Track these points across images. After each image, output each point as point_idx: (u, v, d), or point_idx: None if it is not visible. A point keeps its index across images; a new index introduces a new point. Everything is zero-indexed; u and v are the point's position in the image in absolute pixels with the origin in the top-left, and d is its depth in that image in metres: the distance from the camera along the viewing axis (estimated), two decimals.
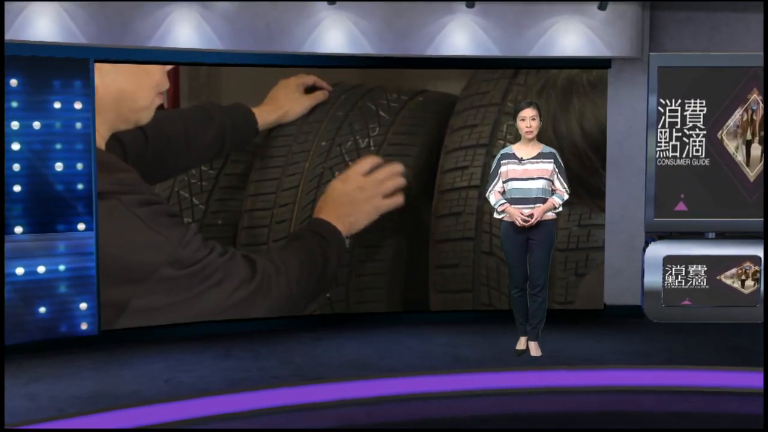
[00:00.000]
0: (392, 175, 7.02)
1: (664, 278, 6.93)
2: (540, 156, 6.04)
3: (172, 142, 6.64)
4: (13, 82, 6.10)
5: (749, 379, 5.78)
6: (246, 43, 6.47)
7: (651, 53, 6.84)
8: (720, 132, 6.80)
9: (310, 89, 6.95)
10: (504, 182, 6.05)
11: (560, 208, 6.11)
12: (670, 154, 6.82)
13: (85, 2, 6.08)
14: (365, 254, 7.10)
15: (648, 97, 6.79)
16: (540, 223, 6.01)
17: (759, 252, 6.82)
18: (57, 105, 6.24)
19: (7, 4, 5.79)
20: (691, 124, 6.79)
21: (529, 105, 6.04)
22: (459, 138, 7.10)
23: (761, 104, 6.74)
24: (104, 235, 6.42)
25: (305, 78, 6.92)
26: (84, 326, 6.45)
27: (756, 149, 6.81)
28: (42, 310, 6.31)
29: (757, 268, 6.89)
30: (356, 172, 6.97)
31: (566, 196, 6.08)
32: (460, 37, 6.73)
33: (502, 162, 6.07)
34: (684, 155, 6.81)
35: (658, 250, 6.92)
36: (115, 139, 6.46)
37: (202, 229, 6.77)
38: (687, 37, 7.17)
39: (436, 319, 7.17)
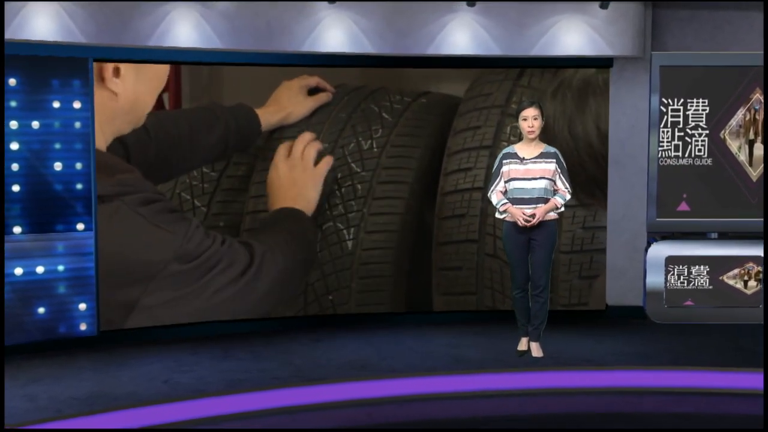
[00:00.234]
0: (308, 144, 6.94)
1: (666, 279, 6.92)
2: (542, 156, 6.01)
3: (177, 142, 6.63)
4: (12, 81, 6.07)
5: (752, 380, 5.76)
6: (246, 42, 6.46)
7: (653, 52, 6.83)
8: (722, 132, 6.79)
9: (313, 91, 6.93)
10: (506, 182, 6.03)
11: (562, 209, 6.09)
12: (673, 153, 6.81)
13: (84, 1, 6.06)
14: (368, 257, 7.08)
15: (650, 96, 6.78)
16: (542, 224, 5.98)
17: (761, 252, 6.80)
18: (56, 104, 6.22)
19: (6, 3, 5.76)
20: (693, 124, 6.77)
21: (531, 104, 6.01)
22: (462, 140, 7.08)
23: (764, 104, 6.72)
24: (110, 237, 6.41)
25: (308, 79, 6.90)
26: (83, 327, 6.43)
27: (759, 149, 6.80)
28: (41, 310, 6.29)
29: (759, 268, 6.88)
30: (279, 158, 6.90)
31: (568, 197, 6.06)
32: (461, 36, 6.71)
33: (504, 162, 6.04)
34: (686, 155, 6.79)
35: (661, 251, 6.91)
36: (119, 140, 6.44)
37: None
38: (689, 36, 7.14)
39: (438, 319, 7.14)
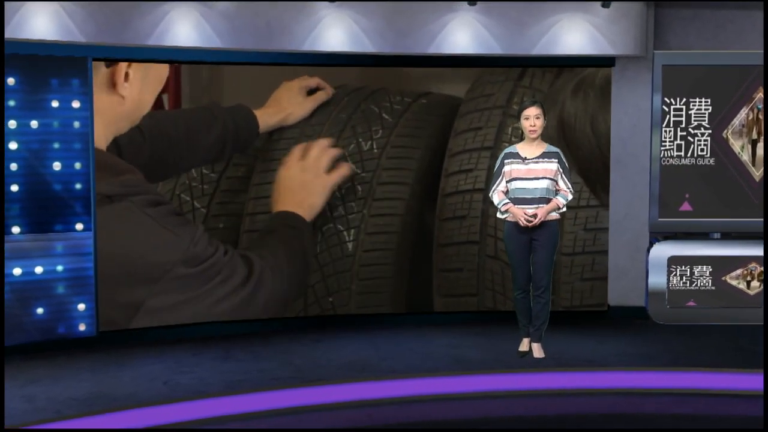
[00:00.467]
0: (324, 150, 6.94)
1: (668, 279, 6.88)
2: (544, 155, 5.99)
3: (172, 142, 6.61)
4: (11, 80, 6.06)
5: (754, 381, 5.73)
6: (246, 41, 6.44)
7: (655, 51, 6.80)
8: (725, 131, 6.75)
9: (313, 92, 6.91)
10: (507, 182, 6.00)
11: (564, 209, 6.07)
12: (675, 153, 6.78)
13: (83, 1, 6.05)
14: (368, 258, 7.05)
15: (652, 95, 6.74)
16: (544, 224, 5.96)
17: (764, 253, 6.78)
18: (55, 104, 6.21)
19: (5, 3, 5.74)
20: (696, 123, 6.74)
21: (533, 104, 5.99)
22: (463, 141, 7.05)
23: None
24: (119, 237, 6.41)
25: (308, 80, 6.88)
26: (82, 327, 6.41)
27: (762, 149, 6.76)
28: (39, 311, 6.27)
29: (762, 269, 6.84)
30: (294, 159, 6.89)
31: (570, 197, 6.03)
32: (462, 35, 6.69)
33: (505, 161, 6.02)
34: (689, 154, 6.76)
35: (663, 251, 6.88)
36: (113, 141, 6.43)
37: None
38: (692, 35, 7.13)
39: (439, 320, 7.12)
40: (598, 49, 6.82)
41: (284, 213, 6.90)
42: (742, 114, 6.73)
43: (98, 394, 5.41)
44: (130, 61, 6.39)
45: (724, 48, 6.99)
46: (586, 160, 7.09)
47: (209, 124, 6.68)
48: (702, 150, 6.77)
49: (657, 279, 6.87)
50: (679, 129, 6.75)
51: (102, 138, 6.38)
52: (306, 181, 6.90)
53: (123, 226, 6.42)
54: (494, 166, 6.18)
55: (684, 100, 6.72)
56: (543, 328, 6.13)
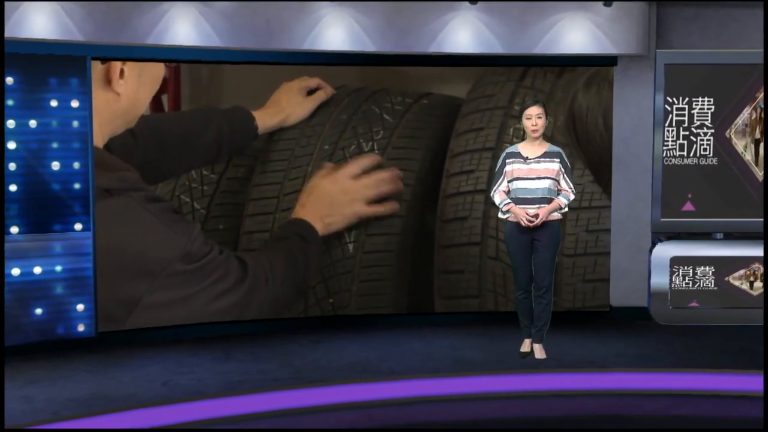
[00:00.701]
0: (382, 182, 6.94)
1: (671, 279, 6.88)
2: (546, 155, 5.96)
3: (166, 147, 6.59)
4: (9, 80, 6.04)
5: (756, 382, 5.70)
6: (245, 40, 6.43)
7: (658, 50, 6.78)
8: (728, 131, 6.74)
9: (312, 91, 6.89)
10: (509, 181, 5.98)
11: (566, 209, 6.04)
12: (677, 153, 6.77)
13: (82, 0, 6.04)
14: (368, 260, 7.03)
15: (655, 95, 6.74)
16: (545, 224, 5.93)
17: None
18: (53, 103, 6.19)
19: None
20: (698, 123, 6.72)
21: (535, 103, 5.96)
22: (465, 141, 7.03)
23: None
24: (117, 232, 6.40)
25: (309, 81, 6.86)
26: (81, 328, 6.40)
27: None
28: (38, 311, 6.25)
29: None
30: (345, 174, 6.88)
31: (572, 197, 6.01)
32: (464, 34, 6.67)
33: (507, 161, 5.99)
34: (691, 154, 6.75)
35: (665, 251, 6.88)
36: (105, 145, 6.42)
37: (203, 234, 6.73)
38: (694, 34, 7.10)
39: (440, 321, 7.10)
40: (600, 48, 6.79)
41: (302, 222, 6.87)
42: (745, 113, 6.72)
43: (97, 394, 5.40)
44: (130, 60, 6.37)
45: (727, 47, 6.97)
46: (597, 154, 7.06)
47: (204, 128, 6.67)
48: (705, 150, 6.75)
49: (659, 279, 6.86)
50: (681, 128, 6.74)
51: (99, 136, 6.36)
52: (340, 201, 6.88)
53: (122, 221, 6.41)
54: (495, 166, 6.15)
55: (686, 99, 6.71)
56: (545, 329, 6.10)
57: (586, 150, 7.00)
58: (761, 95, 6.69)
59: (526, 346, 6.19)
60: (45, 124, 6.17)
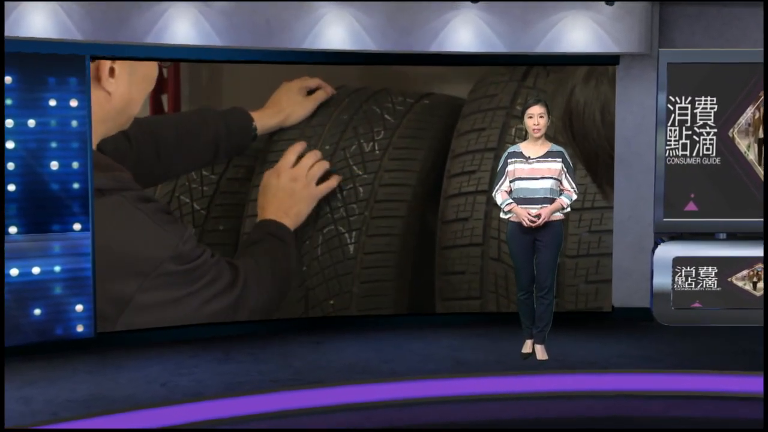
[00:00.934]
0: (317, 160, 6.90)
1: (673, 280, 6.83)
2: (548, 155, 5.93)
3: (161, 151, 6.56)
4: (8, 79, 6.02)
5: (757, 383, 5.68)
6: (245, 39, 6.41)
7: (660, 49, 6.75)
8: (731, 130, 6.69)
9: (312, 91, 6.87)
10: (511, 181, 5.95)
11: (568, 209, 6.02)
12: (680, 152, 6.72)
13: None
14: (369, 261, 7.01)
15: (657, 94, 6.69)
16: (547, 224, 5.91)
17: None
18: (52, 102, 6.17)
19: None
20: (701, 122, 6.68)
21: (537, 102, 5.94)
22: (466, 142, 7.00)
23: None
24: (110, 231, 6.37)
25: (309, 81, 6.84)
26: (80, 329, 6.38)
27: None
28: (37, 312, 6.24)
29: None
30: (285, 165, 6.86)
31: (575, 197, 5.98)
32: (465, 33, 6.65)
33: (509, 161, 5.97)
34: (694, 154, 6.71)
35: (668, 251, 6.83)
36: (97, 148, 6.40)
37: (203, 235, 6.71)
38: (697, 33, 7.09)
39: (440, 322, 7.08)
40: (603, 47, 6.78)
41: (270, 222, 6.85)
42: (749, 113, 6.67)
43: (96, 395, 5.38)
44: (129, 59, 6.34)
45: (730, 46, 6.95)
46: (593, 150, 7.02)
47: (200, 131, 6.64)
48: (708, 149, 6.71)
49: (662, 280, 6.82)
50: (684, 128, 6.69)
51: (93, 135, 6.32)
52: (296, 190, 6.86)
53: (114, 220, 6.39)
54: (497, 166, 6.12)
55: (689, 98, 6.66)
56: (546, 329, 6.08)
57: (582, 146, 6.97)
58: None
59: (527, 347, 6.17)
60: (44, 123, 6.16)
